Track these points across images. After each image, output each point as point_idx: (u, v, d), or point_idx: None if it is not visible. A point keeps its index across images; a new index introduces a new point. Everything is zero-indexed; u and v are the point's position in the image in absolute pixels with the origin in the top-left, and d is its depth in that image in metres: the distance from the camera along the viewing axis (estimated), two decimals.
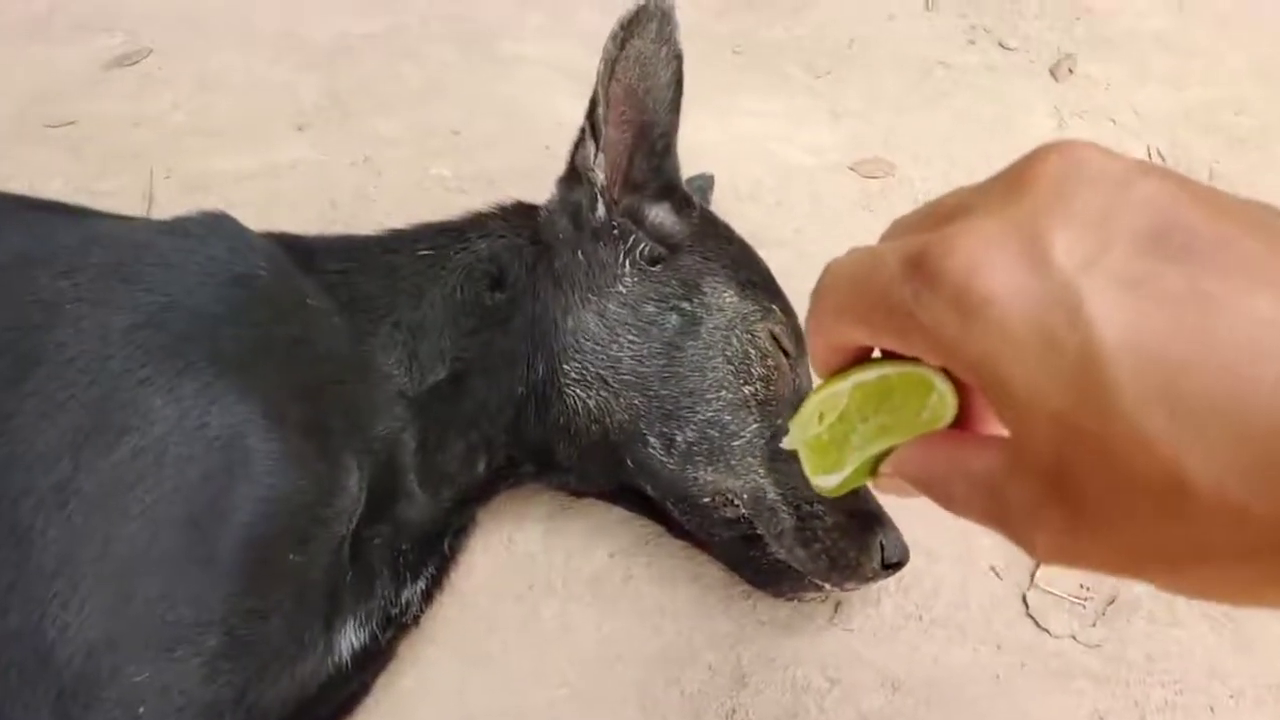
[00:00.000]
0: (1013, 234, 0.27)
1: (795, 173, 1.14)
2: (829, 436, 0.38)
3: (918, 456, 0.34)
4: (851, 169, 1.13)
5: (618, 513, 0.84)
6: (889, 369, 0.35)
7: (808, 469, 0.39)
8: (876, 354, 0.36)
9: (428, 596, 0.75)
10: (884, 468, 0.36)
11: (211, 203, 0.73)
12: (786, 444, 0.40)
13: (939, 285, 0.27)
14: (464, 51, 1.26)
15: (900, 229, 0.33)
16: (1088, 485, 0.26)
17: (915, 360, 0.35)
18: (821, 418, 0.38)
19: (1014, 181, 0.28)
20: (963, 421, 0.35)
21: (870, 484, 0.38)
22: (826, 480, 0.38)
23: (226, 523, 0.58)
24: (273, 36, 1.27)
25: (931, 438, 0.34)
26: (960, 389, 0.35)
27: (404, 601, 0.72)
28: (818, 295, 0.34)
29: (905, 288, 0.28)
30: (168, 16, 1.28)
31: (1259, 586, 0.26)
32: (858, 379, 0.36)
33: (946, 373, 0.34)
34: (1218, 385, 0.23)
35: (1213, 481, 0.23)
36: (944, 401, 0.34)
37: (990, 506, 0.30)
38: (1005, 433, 0.30)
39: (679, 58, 0.74)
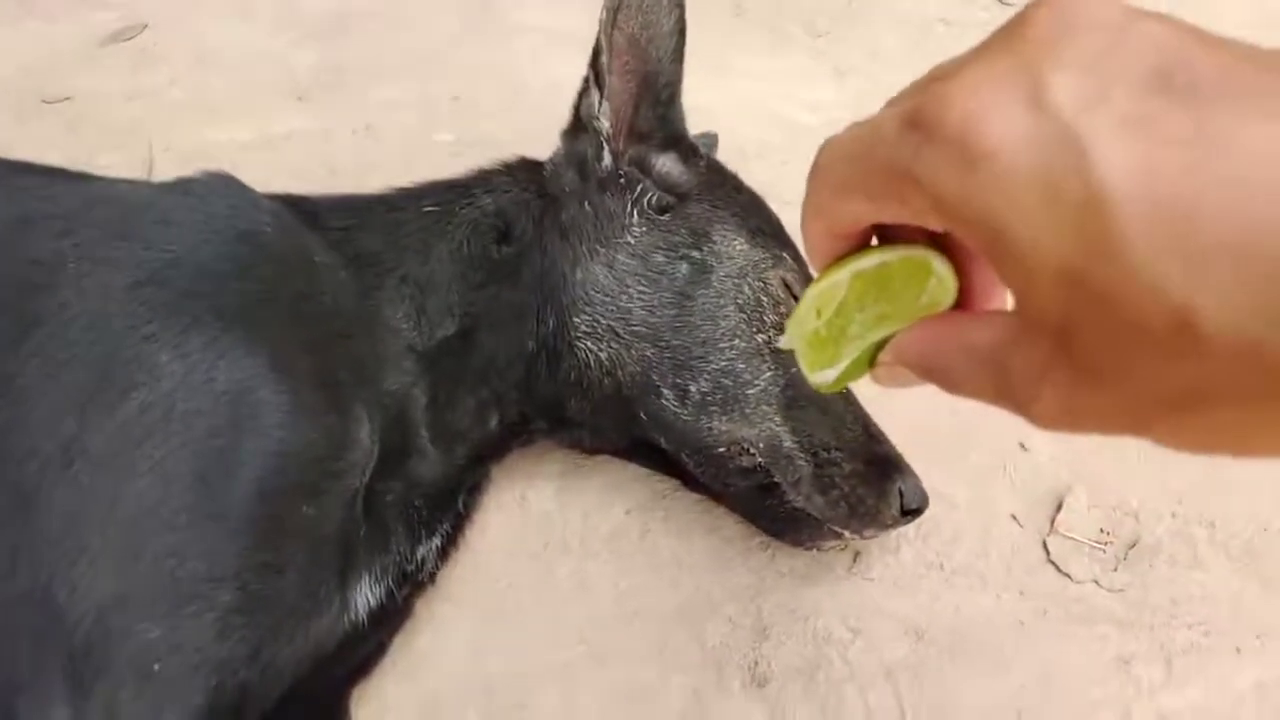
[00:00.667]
0: (1010, 81, 0.26)
1: (799, 131, 1.13)
2: (827, 331, 0.37)
3: (918, 339, 0.33)
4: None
5: (633, 469, 0.84)
6: (887, 255, 0.34)
7: (805, 366, 0.39)
8: (873, 246, 0.36)
9: (443, 554, 0.75)
10: (883, 356, 0.35)
11: None
12: (783, 343, 0.39)
13: (937, 138, 0.27)
14: (464, 19, 1.25)
15: (897, 99, 0.32)
16: (1094, 337, 0.25)
17: (913, 244, 0.34)
18: (819, 313, 0.37)
19: (1009, 33, 0.27)
20: (961, 305, 0.34)
21: (869, 375, 0.37)
22: (824, 376, 0.38)
23: (237, 477, 0.57)
24: (269, 9, 1.26)
25: (931, 319, 0.33)
26: (959, 271, 0.34)
27: (419, 558, 0.71)
28: (815, 173, 0.33)
29: (904, 146, 0.28)
30: None
31: (1261, 431, 0.25)
32: (855, 267, 0.35)
33: (945, 257, 0.34)
34: (1230, 226, 0.22)
35: (1225, 324, 0.23)
36: (943, 285, 0.34)
37: (993, 378, 0.30)
38: (1005, 309, 0.29)
39: (680, 6, 0.73)
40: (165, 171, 1.05)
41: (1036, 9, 0.27)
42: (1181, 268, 0.23)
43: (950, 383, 0.32)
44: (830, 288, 0.36)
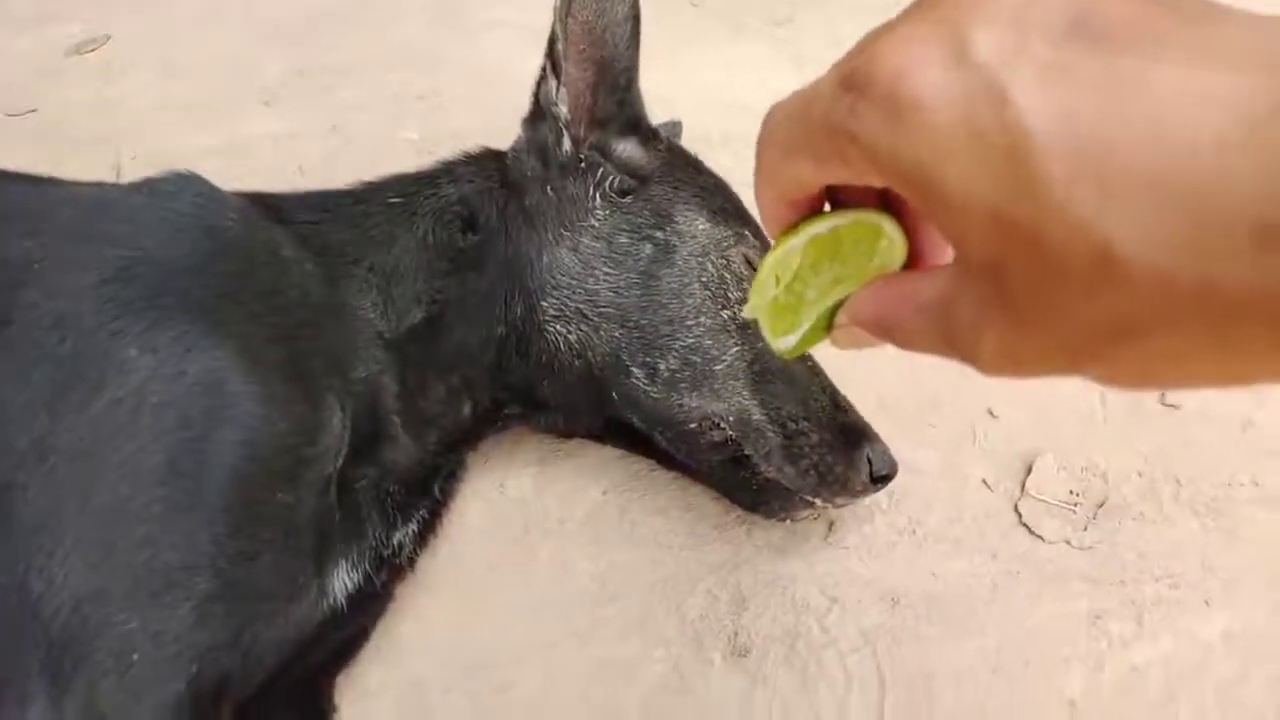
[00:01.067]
0: (935, 37, 0.27)
1: (759, 120, 1.14)
2: (785, 298, 0.38)
3: (870, 298, 0.34)
4: None
5: (609, 451, 0.85)
6: (838, 219, 0.36)
7: (767, 333, 0.40)
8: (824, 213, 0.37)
9: (421, 539, 0.75)
10: (839, 317, 0.36)
11: None
12: (746, 313, 0.40)
13: (869, 95, 0.28)
14: (428, 16, 1.26)
15: (837, 64, 0.33)
16: (1025, 278, 0.26)
17: (863, 208, 0.35)
18: (778, 279, 0.38)
19: None
20: (911, 264, 0.35)
21: (829, 339, 0.38)
22: (786, 341, 0.39)
23: (209, 466, 0.58)
24: (234, 14, 1.27)
25: (882, 279, 0.35)
26: (908, 232, 0.35)
27: (395, 543, 0.72)
28: (762, 139, 0.34)
29: (840, 105, 0.29)
30: (126, 1, 1.28)
31: (1190, 359, 0.26)
32: (809, 233, 0.36)
33: (894, 219, 0.35)
34: (1140, 160, 0.24)
35: (1142, 256, 0.24)
36: (894, 246, 0.35)
37: (941, 329, 0.31)
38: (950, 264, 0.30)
39: None
40: (134, 176, 1.05)
41: None
42: (1099, 203, 0.24)
43: (903, 339, 0.33)
44: (786, 254, 0.37)
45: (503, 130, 0.81)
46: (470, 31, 1.24)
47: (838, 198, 0.37)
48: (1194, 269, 0.23)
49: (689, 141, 1.07)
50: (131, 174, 1.05)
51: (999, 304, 0.28)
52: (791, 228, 0.37)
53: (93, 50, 1.21)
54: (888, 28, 0.29)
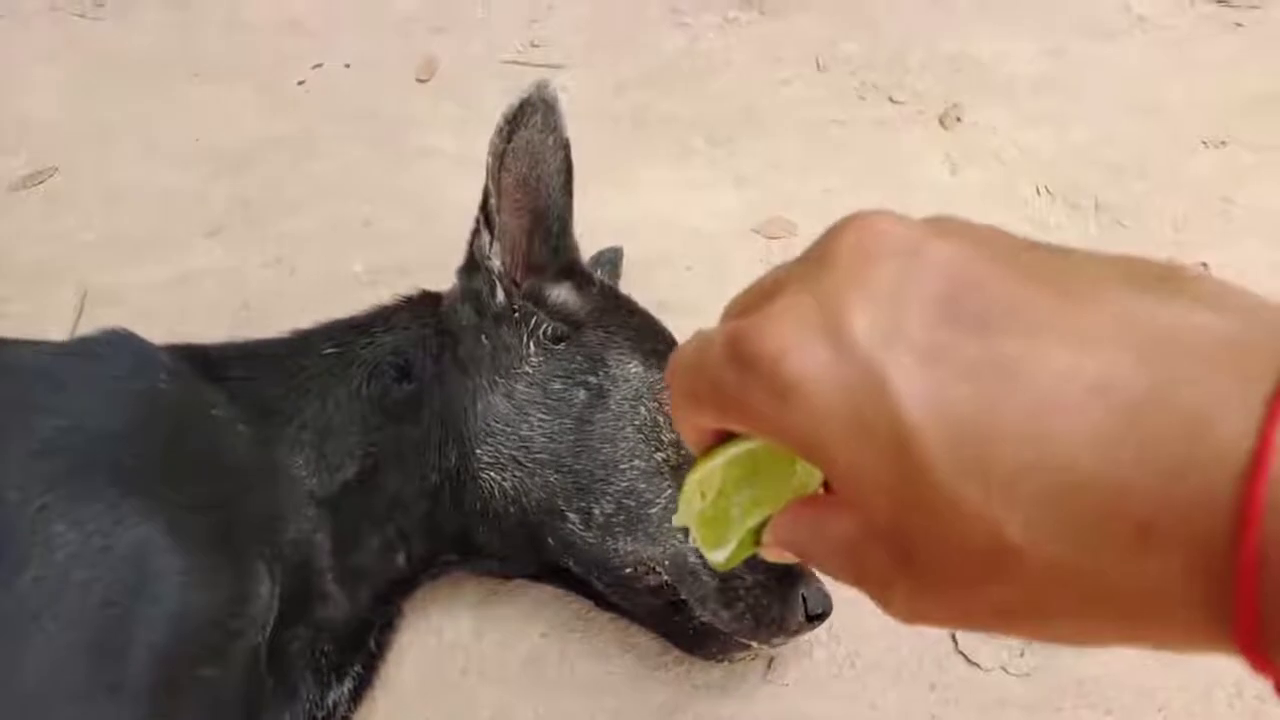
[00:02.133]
0: (815, 314, 0.27)
1: (701, 240, 1.17)
2: (712, 511, 0.38)
3: (785, 524, 0.34)
4: (755, 231, 1.17)
5: (547, 591, 0.84)
6: (755, 443, 0.36)
7: (700, 543, 0.40)
8: None
9: (356, 696, 0.74)
10: (764, 536, 0.37)
11: (125, 315, 0.73)
12: (677, 521, 0.40)
13: (753, 370, 0.28)
14: (372, 146, 1.28)
15: (732, 309, 0.34)
16: (924, 552, 0.26)
17: None
18: (703, 495, 0.38)
19: (817, 258, 0.29)
20: (830, 487, 0.35)
21: (759, 551, 0.39)
22: (717, 554, 0.39)
23: (133, 645, 0.57)
24: (179, 147, 1.28)
25: (797, 505, 0.35)
26: None
27: (330, 703, 0.71)
28: (668, 382, 0.35)
29: (728, 374, 0.29)
30: (72, 135, 1.29)
31: (1098, 634, 0.26)
32: (727, 455, 0.37)
33: None
34: (1022, 447, 0.24)
35: (1031, 543, 0.24)
36: (810, 470, 0.35)
37: (852, 570, 0.31)
38: None
39: (566, 146, 0.76)
40: (80, 316, 1.06)
41: (840, 235, 0.29)
42: (985, 493, 0.24)
43: (818, 567, 0.33)
44: (708, 473, 0.38)
45: (446, 259, 0.83)
46: (409, 158, 1.27)
47: None
48: (1084, 563, 0.23)
49: (629, 262, 1.10)
50: (73, 309, 1.06)
51: (903, 565, 0.28)
52: (711, 448, 0.38)
53: (39, 184, 1.22)
54: (779, 288, 0.30)
